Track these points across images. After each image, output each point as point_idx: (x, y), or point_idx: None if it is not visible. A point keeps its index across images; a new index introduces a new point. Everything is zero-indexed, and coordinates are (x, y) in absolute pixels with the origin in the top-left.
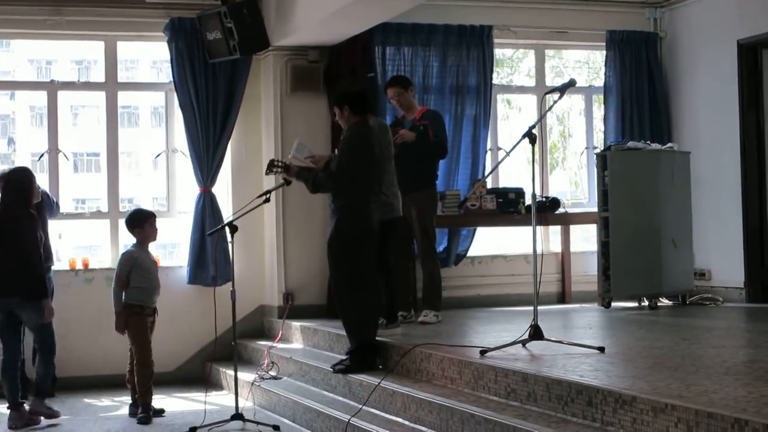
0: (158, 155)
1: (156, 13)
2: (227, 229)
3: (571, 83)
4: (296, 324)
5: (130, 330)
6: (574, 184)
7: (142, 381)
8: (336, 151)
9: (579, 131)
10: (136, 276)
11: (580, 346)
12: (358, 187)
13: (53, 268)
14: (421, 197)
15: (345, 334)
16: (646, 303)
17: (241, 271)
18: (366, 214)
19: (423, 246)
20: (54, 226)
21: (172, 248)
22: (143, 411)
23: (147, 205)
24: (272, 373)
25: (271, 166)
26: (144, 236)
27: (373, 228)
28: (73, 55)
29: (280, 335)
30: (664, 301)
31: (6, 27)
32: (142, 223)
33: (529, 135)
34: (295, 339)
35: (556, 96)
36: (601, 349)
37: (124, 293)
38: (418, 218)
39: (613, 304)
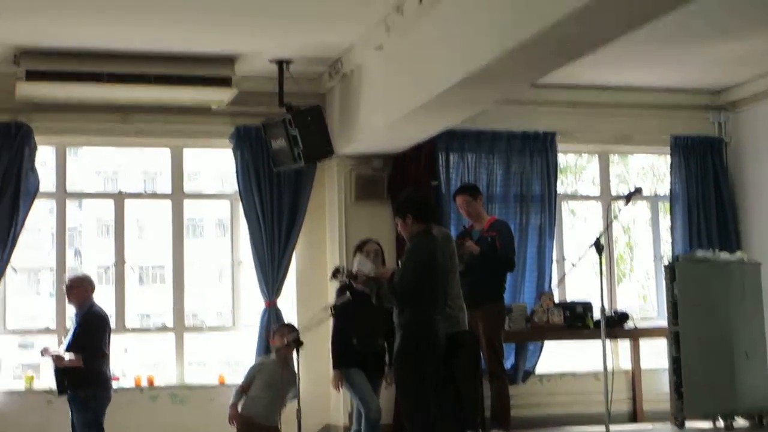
0: (223, 268)
1: (222, 121)
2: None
3: (637, 191)
4: None
5: None
6: (642, 297)
7: None
8: (400, 262)
9: (645, 241)
10: (256, 385)
11: None
12: (423, 300)
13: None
14: (488, 312)
15: None
16: (721, 423)
17: (306, 389)
18: (431, 328)
19: (491, 362)
20: (119, 340)
21: (237, 365)
22: None
23: (211, 320)
24: None
25: (336, 273)
26: (278, 345)
27: (438, 343)
28: (140, 165)
29: None
30: (741, 421)
31: (75, 134)
32: (274, 334)
33: (596, 245)
34: None
35: (621, 204)
36: None
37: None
38: (485, 333)
39: (687, 423)
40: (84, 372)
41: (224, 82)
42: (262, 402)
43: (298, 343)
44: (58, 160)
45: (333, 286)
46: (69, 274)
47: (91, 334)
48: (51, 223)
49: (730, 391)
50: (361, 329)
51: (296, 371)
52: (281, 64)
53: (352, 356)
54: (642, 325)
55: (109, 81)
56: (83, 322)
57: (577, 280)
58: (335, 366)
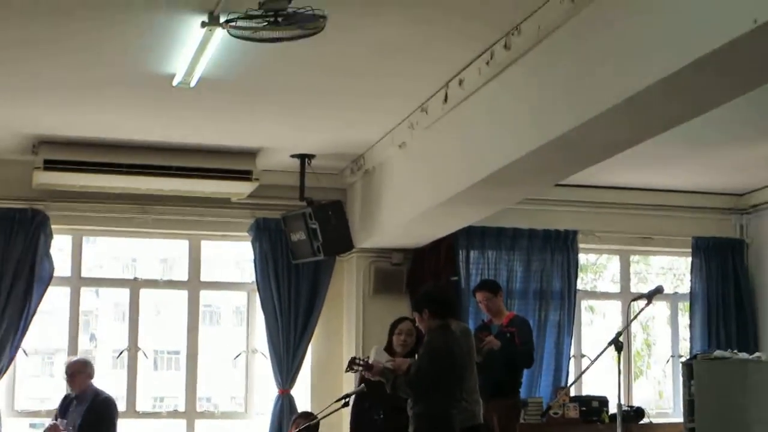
0: (238, 355)
1: (241, 213)
2: None
3: (659, 290)
4: None
5: None
6: (658, 393)
7: None
8: (416, 356)
9: (662, 339)
10: None
11: None
12: (438, 393)
13: None
14: (504, 405)
15: None
16: None
17: None
18: (447, 421)
19: None
20: (130, 425)
21: None
22: None
23: (224, 406)
24: None
25: (352, 364)
26: None
27: None
28: (157, 253)
29: None
30: None
31: (93, 224)
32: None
33: (616, 342)
34: None
35: (642, 303)
36: None
37: None
38: (500, 426)
39: None
40: None
41: (245, 175)
42: None
43: (310, 430)
44: (74, 247)
45: (348, 377)
46: (68, 360)
47: (106, 422)
48: (66, 308)
49: None
50: (386, 404)
51: None
52: (303, 159)
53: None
54: (658, 421)
55: (128, 172)
56: (94, 410)
57: (594, 376)
58: None
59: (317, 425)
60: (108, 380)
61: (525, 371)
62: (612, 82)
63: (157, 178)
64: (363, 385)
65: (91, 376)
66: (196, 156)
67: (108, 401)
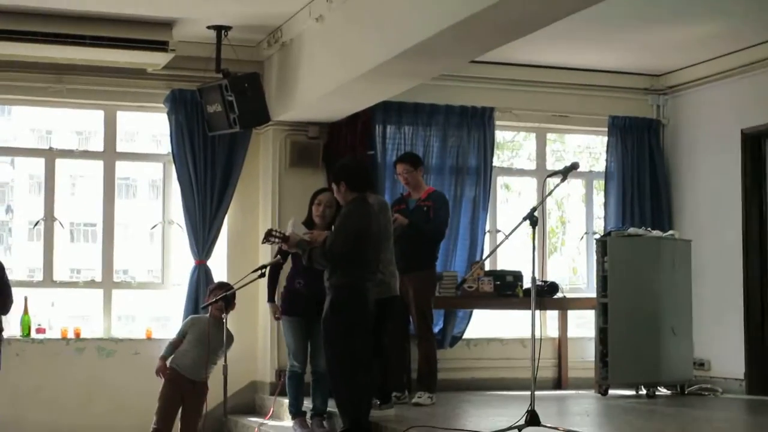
0: (154, 226)
1: (157, 84)
2: (222, 303)
3: (574, 166)
4: (287, 401)
5: (160, 392)
6: (572, 270)
7: None
8: (333, 227)
9: (577, 217)
10: (187, 340)
11: None
12: (353, 266)
13: None
14: (419, 277)
15: (338, 412)
16: (644, 391)
17: (233, 346)
18: (362, 292)
19: (419, 327)
20: (46, 294)
21: (166, 320)
22: None
23: (141, 277)
24: None
25: (269, 236)
26: (212, 307)
27: (368, 308)
28: (74, 125)
29: (271, 412)
30: (663, 390)
31: (7, 93)
32: (210, 293)
33: (531, 217)
34: (287, 416)
35: (557, 179)
36: None
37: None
38: (414, 298)
39: (611, 391)
40: None
41: (161, 45)
42: (190, 356)
43: (227, 301)
44: None
45: (264, 249)
46: None
47: (3, 276)
48: None
49: (655, 362)
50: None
51: (229, 330)
52: (220, 30)
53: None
54: (571, 295)
55: (44, 41)
56: None
57: (509, 252)
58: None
59: (233, 295)
60: (24, 251)
61: (441, 245)
62: None
63: (71, 47)
64: (279, 256)
65: None
66: (112, 25)
67: None
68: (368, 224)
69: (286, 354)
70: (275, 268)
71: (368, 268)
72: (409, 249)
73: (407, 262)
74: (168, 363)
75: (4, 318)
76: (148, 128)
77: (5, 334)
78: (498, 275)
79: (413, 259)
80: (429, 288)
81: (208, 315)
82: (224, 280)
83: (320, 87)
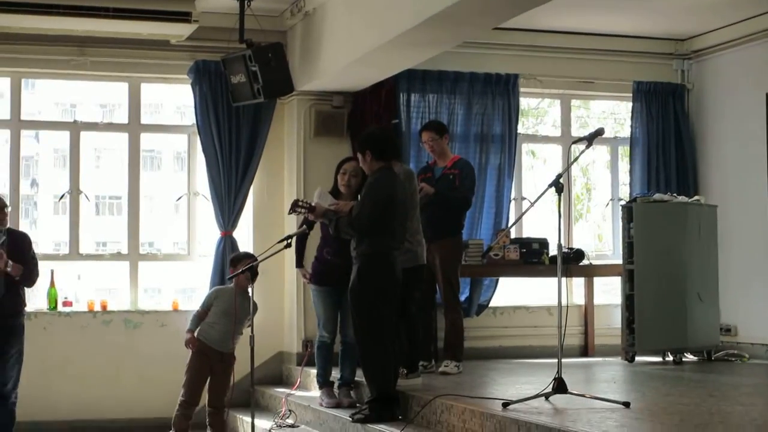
0: (179, 198)
1: (180, 56)
2: (248, 273)
3: (599, 132)
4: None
5: (188, 364)
6: (597, 236)
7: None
8: (359, 196)
9: (602, 183)
10: (213, 312)
11: (604, 400)
12: (381, 234)
13: None
14: (445, 246)
15: (365, 382)
16: (670, 358)
17: (260, 317)
18: (389, 261)
19: (446, 295)
20: (73, 267)
21: (192, 292)
22: None
23: (167, 249)
24: (290, 421)
25: (295, 206)
26: (237, 278)
27: (396, 276)
28: (97, 98)
29: (298, 383)
30: (689, 357)
31: (31, 66)
32: (234, 263)
33: (556, 184)
34: (314, 386)
35: (583, 146)
36: (627, 405)
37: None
38: (441, 267)
39: (637, 358)
40: (20, 296)
41: (184, 16)
42: (217, 328)
43: (253, 272)
44: (13, 90)
45: (289, 219)
46: None
47: (28, 251)
48: (6, 152)
49: (681, 328)
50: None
51: (254, 300)
52: (242, 0)
53: (324, 271)
54: (597, 262)
55: (66, 13)
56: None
57: (535, 219)
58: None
59: (257, 265)
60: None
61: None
62: None
63: (94, 19)
64: (304, 226)
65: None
66: None
67: (24, 233)
68: (394, 193)
69: (316, 324)
70: (301, 237)
71: (395, 237)
72: (435, 217)
73: (433, 231)
74: (195, 335)
75: (30, 291)
76: (172, 100)
77: (32, 308)
78: (524, 243)
79: (439, 228)
80: (455, 256)
81: (232, 286)
82: (249, 250)
83: (344, 56)
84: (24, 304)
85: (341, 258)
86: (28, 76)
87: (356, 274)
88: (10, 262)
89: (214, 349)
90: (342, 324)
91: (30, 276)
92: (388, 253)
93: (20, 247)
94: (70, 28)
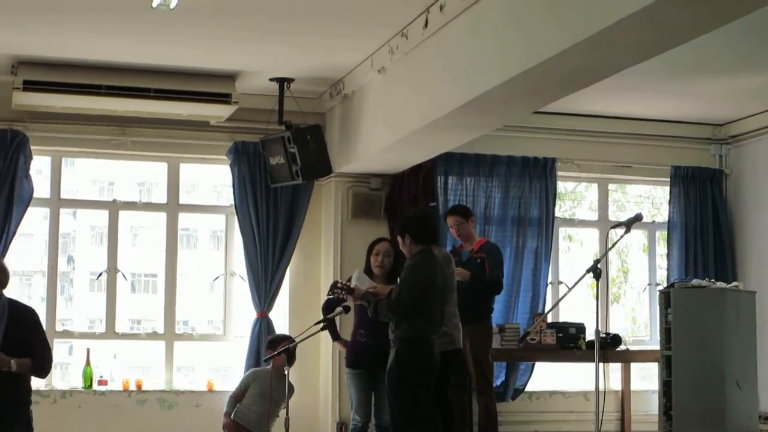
0: (216, 278)
1: (220, 137)
2: (284, 355)
3: (638, 218)
4: None
5: None
6: (632, 320)
7: None
8: (398, 280)
9: (638, 267)
10: (250, 394)
11: None
12: (419, 318)
13: None
14: (475, 330)
15: None
16: None
17: (295, 398)
18: (427, 345)
19: (478, 379)
20: (109, 346)
21: (226, 372)
22: None
23: (202, 328)
24: None
25: (334, 288)
26: (274, 360)
27: (434, 361)
28: (136, 176)
29: None
30: None
31: (72, 146)
32: (272, 345)
33: (594, 270)
34: None
35: (621, 231)
36: None
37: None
38: (472, 351)
39: None
40: (28, 381)
41: (224, 98)
42: (254, 410)
43: (290, 353)
44: (53, 168)
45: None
46: None
47: (40, 331)
48: (45, 229)
49: (719, 416)
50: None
51: (290, 382)
52: (282, 82)
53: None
54: (634, 348)
55: (107, 94)
56: (19, 317)
57: (571, 302)
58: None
59: (294, 347)
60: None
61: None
62: (595, 7)
63: (135, 100)
64: (341, 308)
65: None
66: (175, 78)
67: (31, 308)
68: (434, 277)
69: (349, 408)
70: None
71: (433, 321)
72: (465, 301)
73: (464, 315)
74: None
75: (65, 369)
76: (210, 179)
77: (67, 386)
78: (560, 327)
79: (469, 312)
80: (486, 340)
81: (269, 367)
82: (285, 332)
83: (382, 139)
84: (29, 392)
85: (375, 340)
86: (69, 155)
87: (394, 357)
88: (13, 362)
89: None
90: (376, 408)
91: (42, 366)
92: (427, 337)
93: (22, 326)
94: (111, 109)
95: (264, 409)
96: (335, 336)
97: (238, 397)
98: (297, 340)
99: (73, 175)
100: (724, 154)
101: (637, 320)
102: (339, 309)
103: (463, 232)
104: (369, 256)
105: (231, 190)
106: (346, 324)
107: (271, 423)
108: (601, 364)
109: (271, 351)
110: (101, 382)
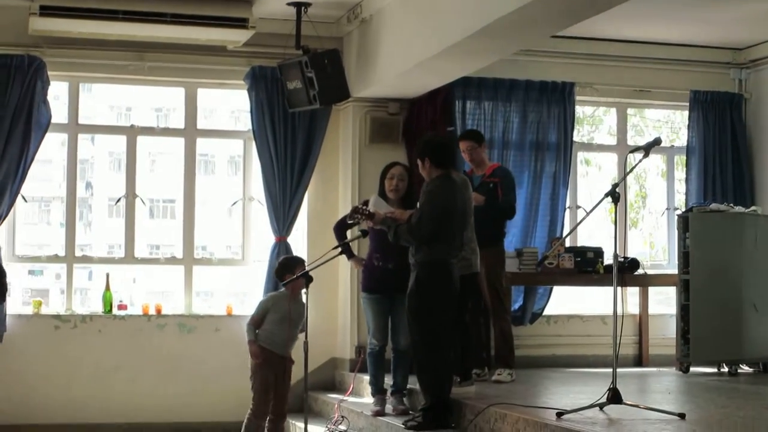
0: (234, 203)
1: (237, 62)
2: (303, 279)
3: (657, 142)
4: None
5: (253, 373)
6: (650, 244)
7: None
8: (418, 204)
9: (657, 192)
10: (270, 320)
11: (659, 411)
12: (439, 243)
13: None
14: (489, 255)
15: (419, 389)
16: (725, 369)
17: (313, 322)
18: (447, 270)
19: (493, 303)
20: (128, 271)
21: (244, 296)
22: None
23: (221, 253)
24: (342, 427)
25: (355, 213)
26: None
27: (454, 285)
28: (153, 102)
29: (351, 389)
30: (745, 368)
31: (89, 71)
32: (288, 268)
33: (613, 194)
34: (367, 393)
35: (639, 155)
36: (682, 416)
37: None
38: (487, 275)
39: (692, 368)
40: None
41: (241, 22)
42: (278, 334)
43: (308, 278)
44: (71, 94)
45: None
46: None
47: None
48: (63, 155)
49: (737, 339)
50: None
51: (306, 304)
52: (299, 6)
53: (374, 278)
54: (652, 272)
55: (124, 18)
56: None
57: (589, 227)
58: None
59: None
60: (104, 227)
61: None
62: None
63: (153, 24)
64: (360, 232)
65: None
66: (192, 3)
67: None
68: (454, 201)
69: (367, 331)
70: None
71: (453, 245)
72: (478, 226)
73: (477, 240)
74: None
75: (85, 293)
76: (227, 104)
77: (87, 311)
78: (579, 251)
79: (482, 236)
80: (499, 264)
81: (286, 291)
82: (303, 256)
83: (400, 63)
84: None
85: (390, 264)
86: (86, 80)
87: (414, 281)
88: None
89: (277, 355)
90: (393, 331)
91: None
92: (447, 261)
93: None
94: (128, 34)
95: (286, 331)
96: (350, 255)
97: (257, 322)
98: (313, 264)
99: (91, 101)
100: (743, 78)
101: (654, 245)
102: (358, 233)
103: (475, 157)
104: (383, 180)
105: (249, 115)
106: (362, 248)
107: (291, 345)
108: (619, 288)
109: (283, 272)
110: (121, 307)
